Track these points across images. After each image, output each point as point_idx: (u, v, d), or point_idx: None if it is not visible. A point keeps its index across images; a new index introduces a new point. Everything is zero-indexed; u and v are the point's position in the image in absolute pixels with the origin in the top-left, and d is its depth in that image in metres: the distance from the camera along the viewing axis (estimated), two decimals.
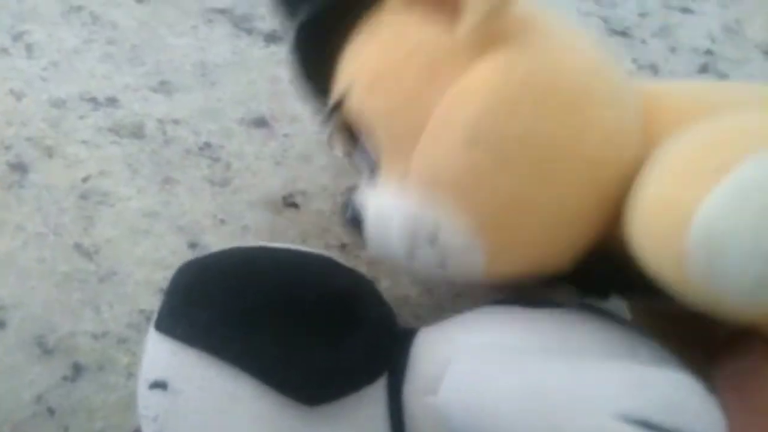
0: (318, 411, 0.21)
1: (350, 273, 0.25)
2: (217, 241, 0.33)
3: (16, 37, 0.37)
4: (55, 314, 0.29)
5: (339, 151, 0.27)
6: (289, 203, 0.35)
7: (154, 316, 0.23)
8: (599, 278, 0.23)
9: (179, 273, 0.23)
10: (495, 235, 0.20)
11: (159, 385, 0.21)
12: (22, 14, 0.38)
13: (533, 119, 0.19)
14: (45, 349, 0.28)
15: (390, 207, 0.21)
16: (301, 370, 0.21)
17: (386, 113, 0.21)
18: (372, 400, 0.22)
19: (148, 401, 0.21)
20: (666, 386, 0.16)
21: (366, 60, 0.22)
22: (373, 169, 0.23)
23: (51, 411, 0.27)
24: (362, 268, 0.34)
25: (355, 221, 0.23)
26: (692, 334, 0.25)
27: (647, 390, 0.16)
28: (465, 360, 0.21)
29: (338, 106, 0.23)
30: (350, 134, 0.24)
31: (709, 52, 0.46)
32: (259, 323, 0.22)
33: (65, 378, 0.28)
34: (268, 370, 0.21)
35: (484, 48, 0.20)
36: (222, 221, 0.34)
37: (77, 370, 0.28)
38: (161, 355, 0.22)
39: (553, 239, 0.21)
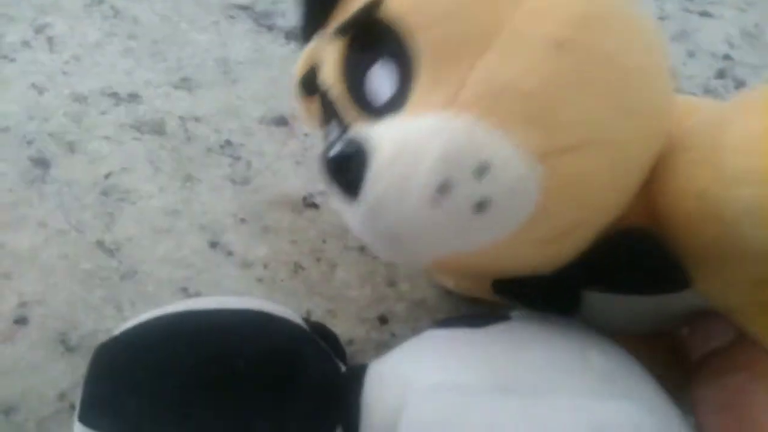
0: None
1: (285, 326, 0.22)
2: (237, 240, 0.33)
3: (38, 30, 0.37)
4: (78, 311, 0.29)
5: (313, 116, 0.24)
6: (309, 203, 0.35)
7: (77, 407, 0.21)
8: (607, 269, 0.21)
9: (98, 356, 0.21)
10: (558, 168, 0.18)
11: None
12: (44, 7, 0.38)
13: (623, 40, 0.18)
14: (68, 347, 0.28)
15: (425, 134, 0.18)
16: None
17: (442, 15, 0.18)
18: None
19: None
20: (620, 423, 0.15)
21: None
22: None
23: (74, 408, 0.27)
24: (380, 269, 0.34)
25: (343, 163, 0.19)
26: (669, 355, 0.26)
27: (604, 425, 0.15)
28: (418, 406, 0.19)
29: (366, 15, 0.20)
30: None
31: (727, 56, 0.45)
32: (192, 402, 0.20)
33: None
34: None
35: None
36: (242, 220, 0.33)
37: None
38: None
39: (612, 192, 0.19)
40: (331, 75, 0.21)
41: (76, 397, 0.27)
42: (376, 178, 0.18)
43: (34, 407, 0.27)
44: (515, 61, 0.17)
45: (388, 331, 0.32)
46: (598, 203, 0.19)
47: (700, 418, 0.21)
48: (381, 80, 0.19)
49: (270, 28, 0.41)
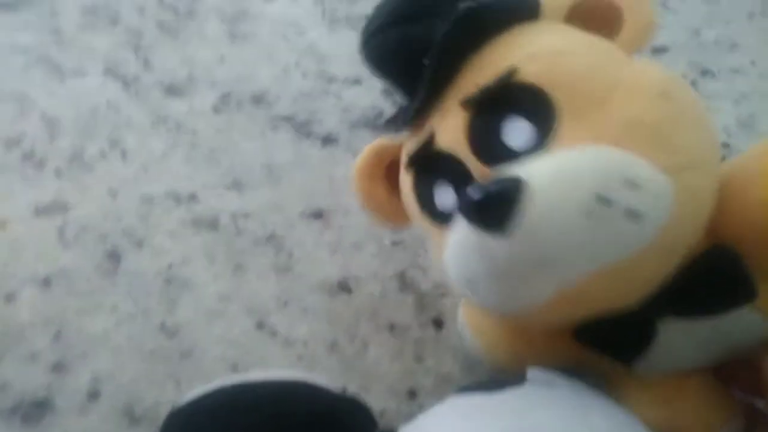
0: None
1: (326, 393, 0.25)
2: (282, 321, 0.36)
3: (113, 144, 0.42)
4: (142, 386, 0.32)
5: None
6: (344, 287, 0.38)
7: None
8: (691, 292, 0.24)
9: (168, 424, 0.23)
10: (682, 181, 0.21)
11: None
12: (118, 124, 0.43)
13: (694, 98, 0.23)
14: (132, 418, 0.31)
15: (580, 157, 0.21)
16: None
17: (575, 78, 0.22)
18: None
19: None
20: None
21: (545, 43, 0.24)
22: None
23: None
24: (409, 347, 0.36)
25: (492, 200, 0.20)
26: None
27: None
28: None
29: (505, 80, 0.23)
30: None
31: (726, 144, 0.48)
32: None
33: None
34: None
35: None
36: (285, 303, 0.37)
37: None
38: None
39: (710, 202, 0.23)
40: (453, 138, 0.24)
41: None
42: (535, 204, 0.20)
43: None
44: (636, 104, 0.22)
45: (417, 403, 0.34)
46: (702, 216, 0.22)
47: None
48: (518, 132, 0.23)
49: (308, 135, 0.46)
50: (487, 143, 0.23)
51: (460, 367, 0.35)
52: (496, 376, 0.26)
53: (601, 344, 0.27)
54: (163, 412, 0.31)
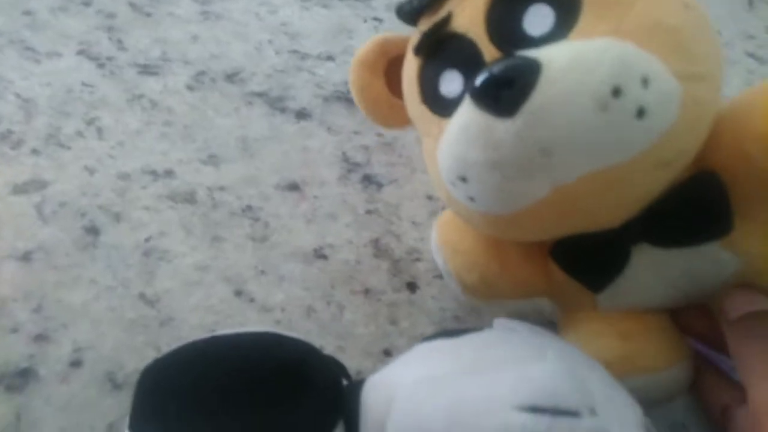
0: None
1: (295, 343, 0.26)
2: (258, 289, 0.36)
3: (89, 122, 0.42)
4: (123, 354, 0.32)
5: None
6: (320, 255, 0.39)
7: (127, 419, 0.24)
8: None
9: (144, 375, 0.24)
10: (691, 90, 0.21)
11: None
12: (93, 103, 0.43)
13: (709, 20, 0.23)
14: (115, 384, 0.31)
15: (600, 47, 0.20)
16: None
17: None
18: None
19: None
20: (545, 378, 0.18)
21: None
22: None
23: None
24: (383, 310, 0.37)
25: (505, 78, 0.20)
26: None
27: (531, 383, 0.18)
28: (402, 397, 0.22)
29: None
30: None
31: None
32: (222, 405, 0.23)
33: None
34: None
35: None
36: (262, 272, 0.37)
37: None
38: None
39: (711, 120, 0.23)
40: (472, 20, 0.23)
41: (124, 427, 0.30)
42: (548, 86, 0.19)
43: None
44: (660, 8, 0.21)
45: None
46: (703, 132, 0.22)
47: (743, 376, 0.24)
48: (540, 18, 0.22)
49: (282, 110, 0.46)
50: (507, 27, 0.22)
51: (433, 328, 0.36)
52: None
53: (575, 267, 0.27)
54: None
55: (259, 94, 0.46)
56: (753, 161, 0.22)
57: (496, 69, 0.20)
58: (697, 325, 0.29)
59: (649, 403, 0.28)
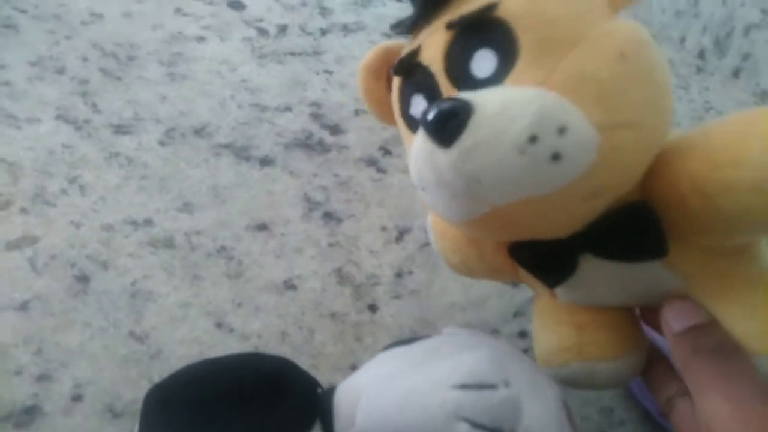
0: None
1: (274, 359, 0.30)
2: (237, 320, 0.40)
3: (72, 181, 0.45)
4: (120, 386, 0.36)
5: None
6: (290, 286, 0.43)
7: None
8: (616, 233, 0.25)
9: (147, 399, 0.28)
10: (611, 138, 0.22)
11: None
12: (74, 162, 0.47)
13: (656, 62, 0.23)
14: (114, 414, 0.35)
15: (526, 96, 0.22)
16: None
17: (545, 22, 0.23)
18: None
19: None
20: (472, 363, 0.22)
21: None
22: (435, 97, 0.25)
23: None
24: (349, 330, 0.41)
25: (447, 115, 0.22)
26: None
27: (461, 368, 0.22)
28: (366, 394, 0.27)
29: (483, 13, 0.24)
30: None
31: None
32: (219, 414, 0.26)
33: None
34: None
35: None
36: (239, 304, 0.41)
37: None
38: None
39: (638, 164, 0.24)
40: (432, 56, 0.26)
41: None
42: (477, 129, 0.21)
43: None
44: (593, 61, 0.22)
45: None
46: (629, 172, 0.24)
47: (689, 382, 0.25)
48: (484, 62, 0.24)
49: (248, 158, 0.50)
50: (458, 66, 0.25)
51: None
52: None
53: (529, 265, 0.29)
54: (140, 407, 0.35)
55: (226, 146, 0.51)
56: (686, 198, 0.23)
57: (436, 108, 0.22)
58: (655, 318, 0.29)
59: (596, 388, 0.31)
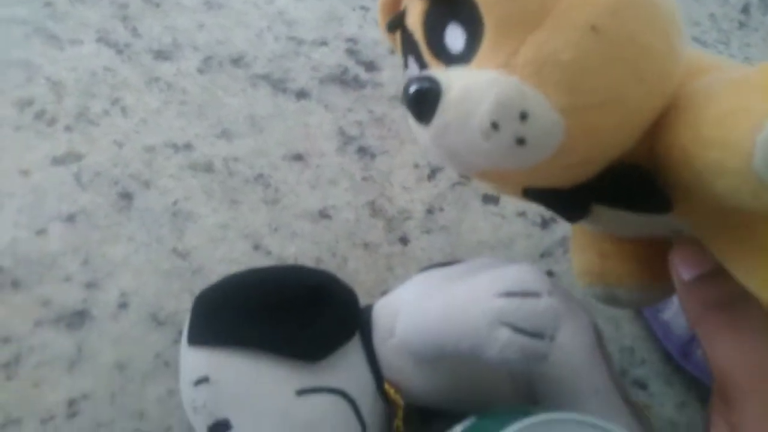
0: (319, 364, 0.27)
1: (319, 273, 0.32)
2: (274, 244, 0.41)
3: (114, 102, 0.46)
4: (163, 298, 0.37)
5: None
6: (324, 215, 0.44)
7: (184, 336, 0.28)
8: (614, 187, 0.25)
9: (198, 300, 0.29)
10: (580, 119, 0.21)
11: (202, 380, 0.27)
12: (116, 85, 0.47)
13: (643, 24, 0.21)
14: (158, 323, 0.36)
15: (485, 82, 0.21)
16: (303, 338, 0.28)
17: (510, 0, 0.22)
18: (353, 350, 0.29)
19: (195, 395, 0.27)
20: (516, 272, 0.23)
21: None
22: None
23: (167, 364, 0.35)
24: (381, 260, 0.42)
25: (419, 96, 0.22)
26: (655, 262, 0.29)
27: (505, 277, 0.23)
28: (406, 308, 0.28)
29: None
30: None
31: None
32: (264, 318, 0.27)
33: (175, 341, 0.36)
34: (281, 345, 0.27)
35: None
36: (276, 229, 0.42)
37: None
38: (199, 360, 0.27)
39: (619, 138, 0.23)
40: (414, 23, 0.25)
41: (169, 357, 0.35)
42: (445, 112, 0.22)
43: (138, 365, 0.35)
44: (558, 38, 0.20)
45: None
46: (606, 147, 0.23)
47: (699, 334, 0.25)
48: (454, 37, 0.23)
49: (284, 90, 0.51)
50: (434, 38, 0.24)
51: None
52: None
53: (545, 203, 0.28)
54: (183, 317, 0.37)
55: (262, 77, 0.51)
56: (678, 166, 0.22)
57: (413, 86, 0.22)
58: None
59: (622, 308, 0.32)
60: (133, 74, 0.48)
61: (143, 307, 0.37)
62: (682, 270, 0.25)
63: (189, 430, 0.32)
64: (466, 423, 0.23)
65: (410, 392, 0.29)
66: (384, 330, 0.29)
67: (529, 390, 0.28)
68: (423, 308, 0.26)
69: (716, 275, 0.24)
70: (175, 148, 0.45)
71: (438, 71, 0.23)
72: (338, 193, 0.45)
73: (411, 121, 0.24)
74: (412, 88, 0.22)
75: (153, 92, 0.48)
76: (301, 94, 0.51)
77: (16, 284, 0.36)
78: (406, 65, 0.28)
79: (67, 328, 0.35)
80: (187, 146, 0.45)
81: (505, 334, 0.22)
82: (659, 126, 0.22)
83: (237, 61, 0.52)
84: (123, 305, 0.36)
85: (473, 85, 0.21)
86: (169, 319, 0.36)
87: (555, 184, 0.25)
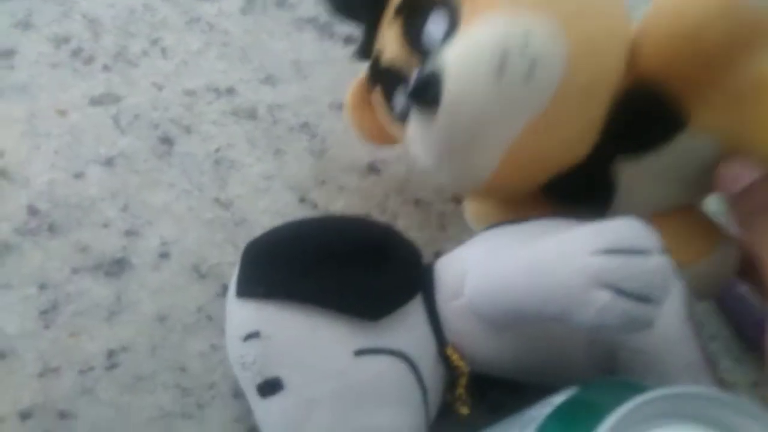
0: (379, 324, 0.25)
1: (380, 225, 0.29)
2: (320, 197, 0.39)
3: (153, 42, 0.44)
4: (205, 249, 0.35)
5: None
6: (373, 169, 0.41)
7: (231, 288, 0.26)
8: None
9: (247, 250, 0.27)
10: (577, 36, 0.23)
11: (253, 335, 0.25)
12: (155, 24, 0.45)
13: None
14: (200, 274, 0.34)
15: (480, 35, 0.23)
16: (363, 295, 0.25)
17: None
18: (414, 310, 0.26)
19: (244, 351, 0.25)
20: (620, 226, 0.20)
21: None
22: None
23: (210, 318, 0.33)
24: (433, 219, 0.40)
25: (421, 87, 0.23)
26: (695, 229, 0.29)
27: (606, 231, 0.20)
28: (476, 266, 0.25)
29: None
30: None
31: None
32: (320, 271, 0.25)
33: (218, 294, 0.34)
34: (338, 300, 0.25)
35: None
36: (322, 182, 0.40)
37: (225, 288, 0.34)
38: (248, 313, 0.25)
39: (611, 51, 0.24)
40: (394, 47, 0.27)
41: (212, 311, 0.33)
42: (452, 80, 0.22)
43: (180, 317, 0.33)
44: None
45: None
46: (605, 62, 0.24)
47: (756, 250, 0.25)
48: (436, 25, 0.25)
49: (331, 35, 0.48)
50: (417, 39, 0.26)
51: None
52: None
53: (571, 201, 0.29)
54: (226, 270, 0.35)
55: (308, 20, 0.48)
56: (680, 60, 0.23)
57: (413, 82, 0.23)
58: None
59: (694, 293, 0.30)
60: (173, 13, 0.45)
61: (185, 257, 0.35)
62: (729, 183, 0.26)
63: (234, 388, 0.31)
64: (567, 394, 0.20)
65: (474, 358, 0.27)
66: (449, 290, 0.26)
67: (607, 360, 0.26)
68: (498, 267, 0.24)
69: (761, 182, 0.25)
70: (217, 92, 0.42)
71: (430, 60, 0.24)
72: (388, 146, 0.42)
73: (418, 128, 0.25)
74: (414, 83, 0.23)
75: (194, 33, 0.45)
76: (349, 40, 0.47)
77: (52, 228, 0.34)
78: (391, 105, 0.30)
79: (105, 277, 0.33)
80: (230, 91, 0.43)
81: (604, 296, 0.19)
82: (643, 43, 0.24)
83: (281, 2, 0.49)
84: (164, 255, 0.35)
85: (468, 44, 0.23)
86: (211, 271, 0.35)
87: (572, 143, 0.25)
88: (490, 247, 0.26)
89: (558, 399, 0.20)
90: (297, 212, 0.38)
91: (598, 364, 0.26)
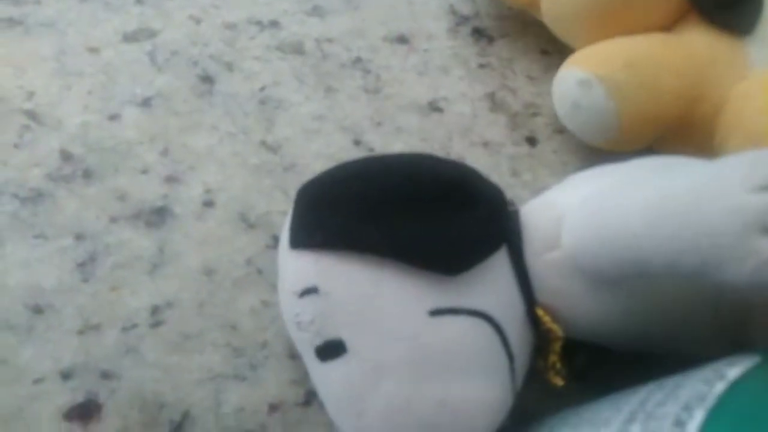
0: (458, 280, 0.21)
1: (456, 164, 0.24)
2: (377, 139, 0.35)
3: None
4: (252, 196, 0.32)
5: None
6: (434, 107, 0.37)
7: (285, 237, 0.23)
8: None
9: (301, 194, 0.23)
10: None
11: (310, 291, 0.21)
12: None
13: None
14: (248, 224, 0.31)
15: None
16: (439, 245, 0.21)
17: None
18: (498, 265, 0.22)
19: (301, 308, 0.22)
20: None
21: None
22: None
23: (260, 271, 0.30)
24: (504, 162, 0.35)
25: None
26: None
27: (761, 163, 0.15)
28: (575, 212, 0.21)
29: None
30: None
31: None
32: (386, 217, 0.21)
33: (268, 246, 0.30)
34: (409, 251, 0.21)
35: None
36: (378, 123, 0.36)
37: (275, 239, 0.31)
38: (304, 266, 0.22)
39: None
40: None
41: (262, 265, 0.30)
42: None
43: (228, 270, 0.30)
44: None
45: None
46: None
47: None
48: None
49: None
50: None
51: (556, 180, 0.34)
52: None
53: (714, 10, 0.28)
54: (275, 219, 0.31)
55: None
56: None
57: None
58: None
59: None
60: None
61: (231, 205, 0.32)
62: None
63: (288, 348, 0.28)
64: (744, 364, 0.16)
65: (571, 321, 0.23)
66: (540, 241, 0.22)
67: (735, 327, 0.21)
68: (611, 210, 0.19)
69: None
70: (260, 25, 0.38)
71: None
72: (450, 83, 0.38)
73: None
74: None
75: None
76: None
77: (88, 174, 0.31)
78: None
79: (146, 227, 0.30)
80: (274, 24, 0.38)
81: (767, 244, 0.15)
82: None
83: None
84: (208, 203, 0.31)
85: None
86: (260, 221, 0.31)
87: None
88: (592, 188, 0.22)
89: (731, 372, 0.16)
90: (352, 156, 0.34)
91: (725, 334, 0.21)
